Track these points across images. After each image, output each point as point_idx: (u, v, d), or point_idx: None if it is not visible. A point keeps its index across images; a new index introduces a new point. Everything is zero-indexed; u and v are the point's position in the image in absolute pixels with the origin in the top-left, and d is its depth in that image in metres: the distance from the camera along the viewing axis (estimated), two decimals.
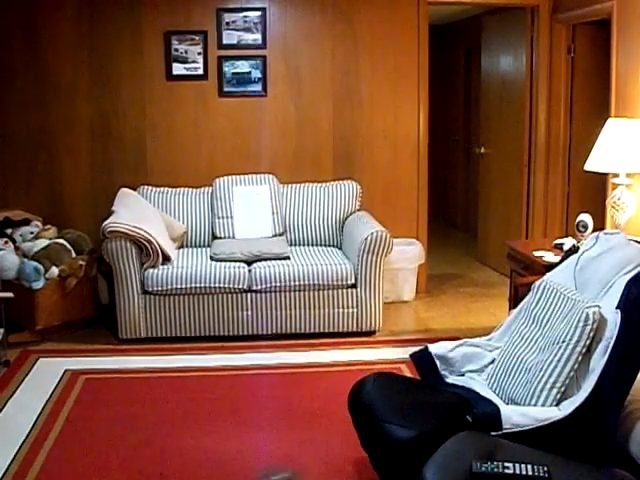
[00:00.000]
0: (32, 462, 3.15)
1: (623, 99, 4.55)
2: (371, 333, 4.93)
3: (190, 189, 5.47)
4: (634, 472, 2.29)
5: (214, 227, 5.34)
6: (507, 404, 2.72)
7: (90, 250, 5.16)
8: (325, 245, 5.42)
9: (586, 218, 4.29)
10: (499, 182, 6.60)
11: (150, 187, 5.44)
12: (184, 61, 5.52)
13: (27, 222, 5.17)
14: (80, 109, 5.52)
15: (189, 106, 5.59)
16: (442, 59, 8.78)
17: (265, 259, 4.88)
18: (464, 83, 8.49)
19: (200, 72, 5.55)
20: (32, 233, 5.10)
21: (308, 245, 5.40)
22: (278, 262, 4.84)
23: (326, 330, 4.87)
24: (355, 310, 4.86)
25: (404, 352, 4.22)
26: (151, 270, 4.72)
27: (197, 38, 5.50)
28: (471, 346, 3.11)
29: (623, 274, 2.69)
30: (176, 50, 5.50)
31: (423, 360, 3.06)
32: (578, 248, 3.33)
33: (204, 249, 5.24)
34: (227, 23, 5.51)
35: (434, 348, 3.09)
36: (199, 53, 5.52)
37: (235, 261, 4.84)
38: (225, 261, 4.84)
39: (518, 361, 2.80)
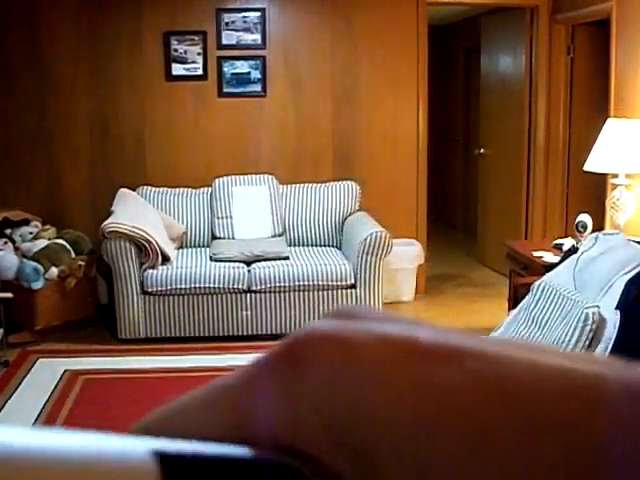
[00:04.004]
0: None
1: (622, 99, 4.56)
2: None
3: (189, 189, 5.47)
4: None
5: (213, 227, 5.34)
6: None
7: (89, 250, 5.16)
8: (324, 245, 5.41)
9: (585, 218, 4.29)
10: (498, 182, 6.60)
11: (149, 187, 5.44)
12: (183, 61, 5.52)
13: (26, 222, 5.17)
14: (79, 109, 5.52)
15: (189, 106, 5.59)
16: (442, 59, 8.77)
17: (264, 259, 4.88)
18: (463, 83, 8.49)
19: (199, 72, 5.54)
20: (31, 233, 5.10)
21: (307, 245, 5.40)
22: (277, 262, 4.84)
23: None
24: None
25: None
26: (150, 270, 4.72)
27: (196, 38, 5.49)
28: None
29: (622, 274, 2.69)
30: (175, 50, 5.50)
31: None
32: (577, 248, 3.34)
33: (203, 249, 5.24)
34: (226, 23, 5.51)
35: None
36: (198, 53, 5.51)
37: (234, 261, 4.85)
38: (224, 261, 4.84)
39: None
